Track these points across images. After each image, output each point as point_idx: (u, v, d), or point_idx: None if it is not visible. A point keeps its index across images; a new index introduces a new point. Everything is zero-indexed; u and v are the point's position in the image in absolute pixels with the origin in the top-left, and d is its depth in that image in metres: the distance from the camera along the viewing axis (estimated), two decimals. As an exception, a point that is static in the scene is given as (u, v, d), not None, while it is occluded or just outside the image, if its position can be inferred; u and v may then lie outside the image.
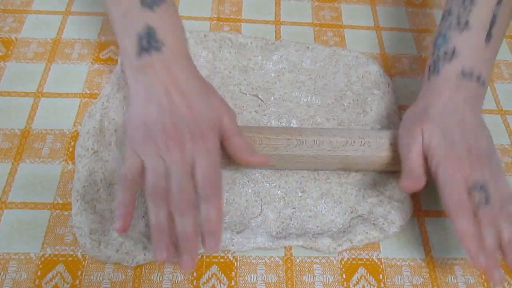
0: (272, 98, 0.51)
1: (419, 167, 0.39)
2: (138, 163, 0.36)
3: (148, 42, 0.38)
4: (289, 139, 0.42)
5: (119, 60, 0.52)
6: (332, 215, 0.44)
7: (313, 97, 0.51)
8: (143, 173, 0.36)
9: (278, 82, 0.52)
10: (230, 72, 0.53)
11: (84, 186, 0.42)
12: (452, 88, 0.41)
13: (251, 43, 0.54)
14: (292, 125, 0.49)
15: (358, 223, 0.42)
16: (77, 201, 0.41)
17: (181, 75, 0.39)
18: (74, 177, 0.43)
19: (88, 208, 0.41)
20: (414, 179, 0.39)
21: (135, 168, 0.36)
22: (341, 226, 0.43)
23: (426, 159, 0.40)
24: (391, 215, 0.43)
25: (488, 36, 0.42)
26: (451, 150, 0.38)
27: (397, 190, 0.44)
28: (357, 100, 0.51)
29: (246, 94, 0.51)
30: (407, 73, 0.56)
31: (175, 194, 0.34)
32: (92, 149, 0.44)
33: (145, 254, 0.39)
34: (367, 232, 0.42)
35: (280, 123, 0.49)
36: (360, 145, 0.43)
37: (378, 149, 0.43)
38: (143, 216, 0.42)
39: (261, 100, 0.51)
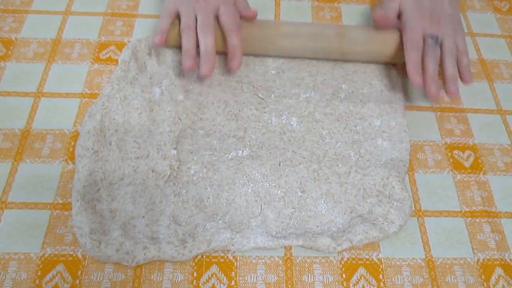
0: (273, 96, 0.51)
1: (393, 14, 0.52)
2: (174, 8, 0.51)
3: None
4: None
5: (119, 60, 0.52)
6: (332, 215, 0.44)
7: (312, 93, 0.52)
8: (176, 16, 0.51)
9: (278, 80, 0.53)
10: None
11: (84, 186, 0.42)
12: None
13: None
14: (292, 122, 0.49)
15: (358, 223, 0.43)
16: (77, 201, 0.41)
17: None
18: (74, 177, 0.43)
19: (88, 208, 0.41)
20: (386, 16, 0.52)
21: (172, 10, 0.51)
22: (341, 226, 0.43)
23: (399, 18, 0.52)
24: (390, 214, 0.43)
25: None
26: (418, 10, 0.51)
27: (397, 190, 0.44)
28: (352, 91, 0.52)
29: (247, 92, 0.51)
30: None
31: (200, 23, 0.49)
32: (92, 149, 0.44)
33: (145, 254, 0.39)
34: (366, 232, 0.42)
35: (281, 120, 0.49)
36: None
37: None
38: (143, 216, 0.42)
39: (262, 98, 0.51)
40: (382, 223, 0.43)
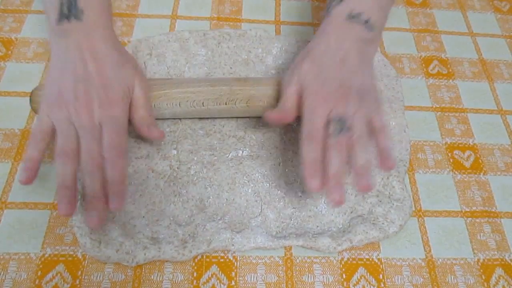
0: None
1: (292, 102, 0.41)
2: (49, 124, 0.39)
3: (69, 9, 0.40)
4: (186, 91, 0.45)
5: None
6: (332, 215, 0.44)
7: None
8: (53, 134, 0.39)
9: None
10: (231, 67, 0.53)
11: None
12: (338, 29, 0.43)
13: (250, 30, 0.55)
14: (292, 123, 0.49)
15: (358, 223, 0.43)
16: (77, 201, 0.41)
17: (98, 45, 0.40)
18: None
19: None
20: (282, 113, 0.41)
21: (46, 129, 0.39)
22: (341, 226, 0.43)
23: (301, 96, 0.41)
24: (390, 214, 0.43)
25: None
26: (321, 86, 0.40)
27: (397, 190, 0.44)
28: None
29: None
30: (407, 73, 0.56)
31: (83, 156, 0.38)
32: None
33: (145, 254, 0.39)
34: (367, 232, 0.42)
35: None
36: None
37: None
38: (143, 216, 0.42)
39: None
40: (382, 223, 0.43)
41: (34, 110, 0.45)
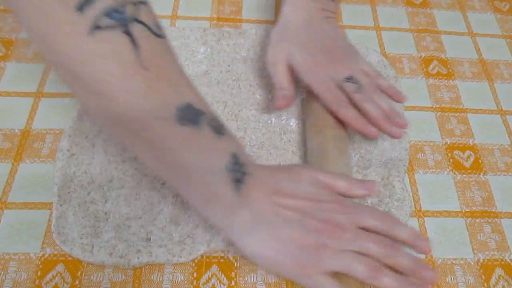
0: (269, 96, 0.51)
1: (287, 81, 0.46)
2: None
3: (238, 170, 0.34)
4: None
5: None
6: (332, 215, 0.44)
7: None
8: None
9: None
10: (229, 65, 0.53)
11: (69, 192, 0.42)
12: (308, 3, 0.47)
13: (251, 29, 0.55)
14: (291, 123, 0.49)
15: (358, 223, 0.42)
16: (61, 205, 0.41)
17: (276, 174, 0.37)
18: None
19: (79, 212, 0.41)
20: (285, 96, 0.45)
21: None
22: (341, 226, 0.43)
23: (294, 73, 0.46)
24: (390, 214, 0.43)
25: None
26: (312, 60, 0.44)
27: (397, 190, 0.44)
28: None
29: (244, 92, 0.51)
30: (407, 73, 0.56)
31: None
32: (68, 150, 0.44)
33: (138, 258, 0.39)
34: (367, 232, 0.42)
35: (280, 120, 0.49)
36: None
37: None
38: (140, 217, 0.42)
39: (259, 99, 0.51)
40: (382, 223, 0.43)
41: None
